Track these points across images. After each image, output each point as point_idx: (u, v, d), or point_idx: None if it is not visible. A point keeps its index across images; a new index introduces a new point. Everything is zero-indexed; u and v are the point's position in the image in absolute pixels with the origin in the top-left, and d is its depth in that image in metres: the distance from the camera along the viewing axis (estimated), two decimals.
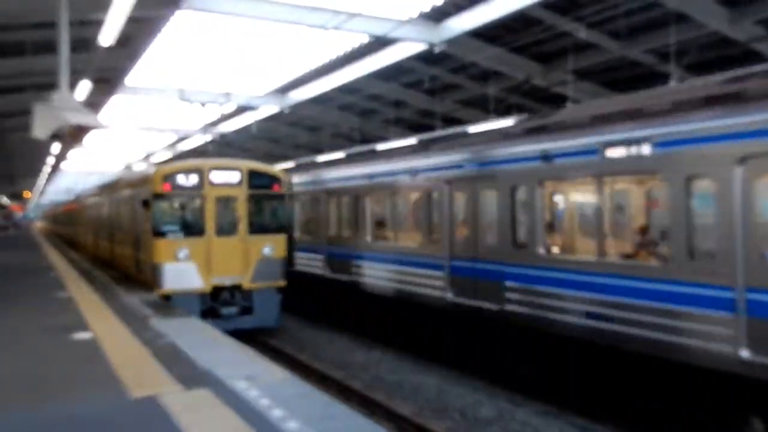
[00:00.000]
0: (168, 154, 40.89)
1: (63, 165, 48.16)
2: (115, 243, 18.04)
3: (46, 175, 50.93)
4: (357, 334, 14.19)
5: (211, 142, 32.78)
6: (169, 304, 11.85)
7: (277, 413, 5.09)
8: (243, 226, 13.18)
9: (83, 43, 12.83)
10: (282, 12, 14.18)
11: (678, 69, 13.12)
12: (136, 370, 6.51)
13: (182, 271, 12.57)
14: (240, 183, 13.30)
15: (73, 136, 8.22)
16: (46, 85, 12.93)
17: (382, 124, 25.67)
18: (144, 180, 14.29)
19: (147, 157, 45.26)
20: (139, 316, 10.04)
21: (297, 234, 16.96)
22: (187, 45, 49.46)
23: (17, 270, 18.20)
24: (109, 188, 21.28)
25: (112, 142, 40.72)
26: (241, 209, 13.21)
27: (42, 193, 76.56)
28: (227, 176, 13.28)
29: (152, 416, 5.11)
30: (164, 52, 49.43)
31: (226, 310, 12.78)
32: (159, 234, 12.69)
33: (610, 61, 15.60)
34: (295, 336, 14.53)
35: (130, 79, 20.26)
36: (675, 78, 13.43)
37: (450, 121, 22.11)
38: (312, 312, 16.58)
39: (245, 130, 28.33)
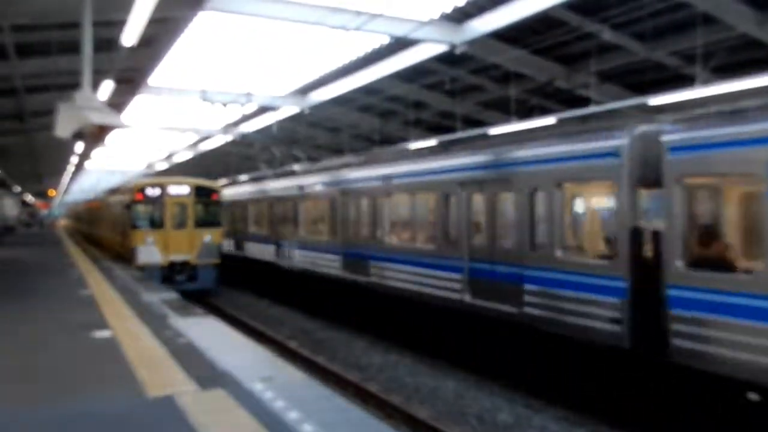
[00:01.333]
0: (189, 154, 41.23)
1: (87, 164, 48.79)
2: (114, 234, 24.08)
3: (71, 174, 51.63)
4: (361, 330, 14.19)
5: (232, 142, 32.98)
6: (148, 276, 16.51)
7: (293, 415, 5.05)
8: (190, 222, 19.18)
9: (107, 44, 12.93)
10: (303, 13, 14.17)
11: (704, 72, 12.88)
12: (154, 369, 6.52)
13: (149, 251, 18.50)
14: (189, 194, 19.32)
15: (94, 135, 8.27)
16: (71, 85, 13.06)
17: (402, 126, 25.61)
18: (126, 191, 20.78)
19: (169, 157, 45.67)
20: (158, 314, 10.09)
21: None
22: (209, 45, 49.72)
23: (43, 268, 18.45)
24: (111, 193, 28.84)
25: (135, 142, 41.11)
26: (190, 211, 19.21)
27: (66, 191, 77.68)
28: (180, 189, 19.33)
29: (169, 416, 5.10)
30: (186, 53, 49.79)
31: (178, 278, 18.52)
32: (134, 227, 18.82)
33: (635, 63, 15.37)
34: (312, 337, 14.53)
35: (153, 80, 20.42)
36: (700, 81, 13.20)
37: (471, 122, 21.99)
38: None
39: (266, 130, 28.44)
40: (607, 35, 13.84)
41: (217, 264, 19.32)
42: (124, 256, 20.06)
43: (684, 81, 14.52)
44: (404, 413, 9.05)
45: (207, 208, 19.65)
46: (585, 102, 16.98)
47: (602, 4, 13.15)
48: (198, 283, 18.81)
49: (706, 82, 12.83)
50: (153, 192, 19.06)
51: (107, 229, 27.17)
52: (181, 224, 19.01)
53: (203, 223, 19.33)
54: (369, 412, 8.96)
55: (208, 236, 19.20)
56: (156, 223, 18.91)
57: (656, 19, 13.17)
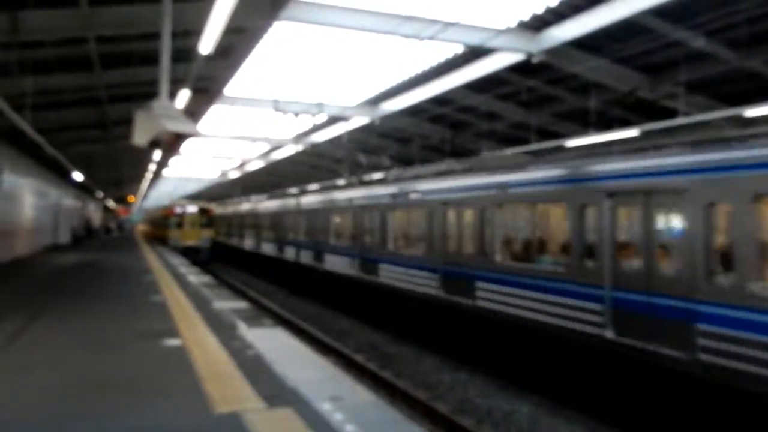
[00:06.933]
0: (261, 163, 41.97)
1: (164, 171, 50.50)
2: (161, 230, 42.75)
3: (149, 181, 53.56)
4: (443, 353, 13.72)
5: (303, 152, 33.32)
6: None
7: None
8: (197, 225, 36.93)
9: (185, 54, 13.16)
10: (377, 22, 14.05)
11: None
12: (221, 383, 6.38)
13: (176, 239, 36.60)
14: (197, 212, 37.67)
15: (169, 143, 8.29)
16: (150, 95, 13.34)
17: (474, 137, 25.14)
18: (166, 209, 42.21)
19: (241, 166, 46.66)
20: (227, 324, 10.05)
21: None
22: (282, 56, 50.63)
23: (118, 272, 18.99)
24: (162, 210, 49.19)
25: (210, 150, 42.27)
26: (197, 220, 37.12)
27: (145, 197, 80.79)
28: (192, 209, 37.83)
29: None
30: (260, 63, 50.85)
31: (190, 254, 32.82)
32: (169, 227, 37.81)
33: (727, 72, 14.43)
34: (380, 352, 14.25)
35: (228, 90, 20.80)
36: None
37: (546, 134, 21.31)
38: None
39: (336, 140, 28.55)
40: (698, 42, 13.04)
41: (210, 247, 36.65)
42: (165, 241, 38.31)
43: None
44: None
45: (206, 218, 37.59)
46: (669, 113, 16.10)
47: (692, 11, 12.41)
48: (200, 257, 34.43)
49: None
50: (179, 210, 37.52)
51: (160, 228, 46.21)
52: (192, 226, 36.70)
53: (203, 226, 37.15)
54: None
55: (207, 233, 36.93)
56: (180, 225, 36.86)
57: (753, 25, 12.30)
